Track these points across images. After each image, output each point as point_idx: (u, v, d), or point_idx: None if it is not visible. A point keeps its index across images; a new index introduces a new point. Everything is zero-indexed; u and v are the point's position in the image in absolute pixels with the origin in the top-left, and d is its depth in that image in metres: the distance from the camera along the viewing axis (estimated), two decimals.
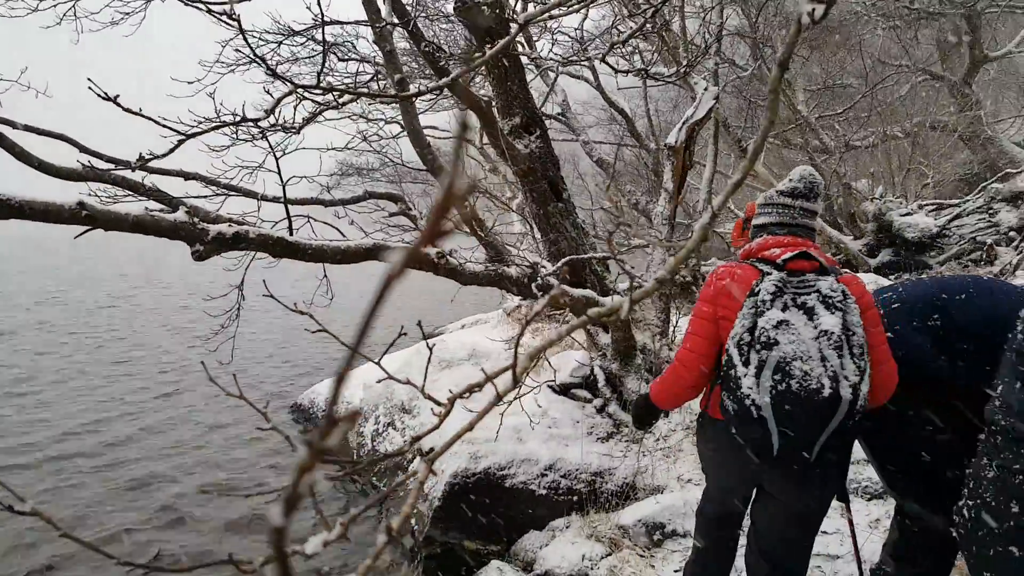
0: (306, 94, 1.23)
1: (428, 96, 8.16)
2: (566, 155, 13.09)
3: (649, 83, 6.73)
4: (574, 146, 10.64)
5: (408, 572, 4.38)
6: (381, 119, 6.66)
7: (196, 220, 2.45)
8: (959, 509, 1.57)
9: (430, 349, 1.10)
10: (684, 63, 5.27)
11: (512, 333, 6.87)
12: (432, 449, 0.69)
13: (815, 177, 2.27)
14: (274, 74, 1.09)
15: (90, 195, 3.28)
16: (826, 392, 1.90)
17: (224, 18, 1.12)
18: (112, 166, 3.39)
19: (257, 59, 1.11)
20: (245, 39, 1.15)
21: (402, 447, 0.59)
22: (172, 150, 1.72)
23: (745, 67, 10.40)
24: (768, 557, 2.35)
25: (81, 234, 3.27)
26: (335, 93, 1.25)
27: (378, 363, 1.00)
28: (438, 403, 0.65)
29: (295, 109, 1.75)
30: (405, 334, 1.17)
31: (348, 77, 6.08)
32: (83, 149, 3.40)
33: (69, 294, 17.28)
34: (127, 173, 3.37)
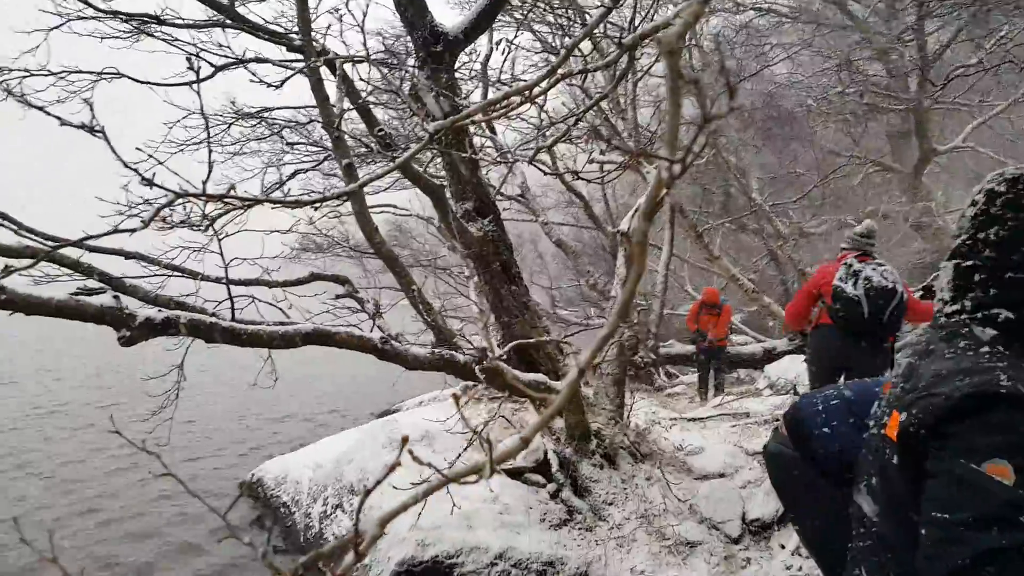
0: (208, 198, 1.23)
1: (387, 175, 8.30)
2: (526, 235, 13.29)
3: (606, 167, 6.97)
4: (534, 226, 10.84)
5: None
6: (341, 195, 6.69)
7: (123, 305, 2.39)
8: None
9: None
10: (634, 151, 5.47)
11: (467, 413, 6.73)
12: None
13: (873, 226, 4.57)
14: (150, 183, 1.08)
15: (23, 273, 3.18)
16: (890, 287, 4.10)
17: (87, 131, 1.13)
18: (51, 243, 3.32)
19: (133, 170, 1.09)
20: (113, 151, 1.15)
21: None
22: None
23: (700, 155, 10.84)
24: None
25: (10, 314, 3.18)
26: (239, 200, 1.25)
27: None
28: (278, 572, 0.60)
29: (204, 207, 1.76)
30: None
31: (307, 156, 6.19)
32: (21, 227, 3.33)
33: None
34: (65, 250, 3.31)
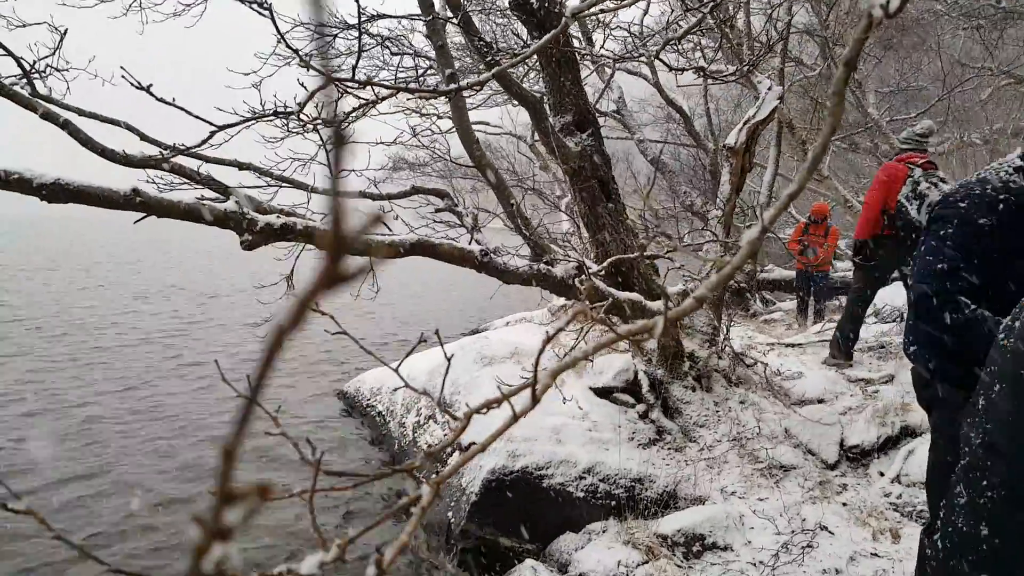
0: (346, 89, 1.23)
1: (482, 92, 8.18)
2: (620, 153, 12.82)
3: (710, 81, 6.54)
4: (628, 144, 10.44)
5: (445, 562, 4.38)
6: (434, 113, 6.68)
7: (246, 210, 2.50)
8: (932, 542, 1.47)
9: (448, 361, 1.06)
10: (747, 61, 5.08)
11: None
12: (437, 470, 0.66)
13: (933, 127, 4.99)
14: (307, 65, 1.09)
15: (148, 182, 3.39)
16: None
17: (256, 7, 1.13)
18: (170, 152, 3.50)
19: (293, 50, 1.12)
20: (277, 28, 1.14)
21: (411, 463, 0.56)
22: (202, 143, 1.76)
23: (813, 66, 9.98)
24: None
25: (139, 220, 3.39)
26: (375, 89, 1.24)
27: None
28: (454, 417, 0.62)
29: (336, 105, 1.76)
30: (425, 341, 1.13)
31: (403, 71, 6.13)
32: (143, 137, 3.52)
33: (111, 277, 17.79)
34: (184, 160, 3.48)
